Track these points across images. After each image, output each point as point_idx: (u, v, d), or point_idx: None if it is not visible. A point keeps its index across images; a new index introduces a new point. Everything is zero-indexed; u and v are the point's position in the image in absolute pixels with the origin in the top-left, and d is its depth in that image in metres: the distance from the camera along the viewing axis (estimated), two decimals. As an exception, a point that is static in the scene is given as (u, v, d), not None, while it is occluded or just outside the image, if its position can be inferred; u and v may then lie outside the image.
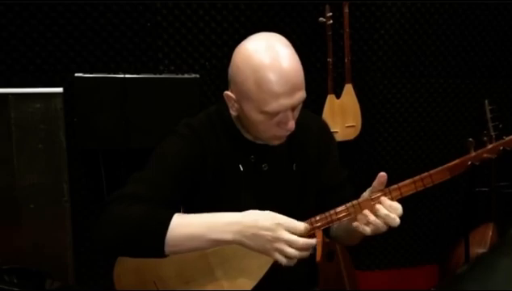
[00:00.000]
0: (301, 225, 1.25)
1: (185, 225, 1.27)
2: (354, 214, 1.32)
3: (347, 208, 1.32)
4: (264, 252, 1.26)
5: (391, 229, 1.31)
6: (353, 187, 1.55)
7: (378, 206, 1.29)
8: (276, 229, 1.23)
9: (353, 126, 2.56)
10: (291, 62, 1.27)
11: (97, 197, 2.44)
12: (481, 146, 1.35)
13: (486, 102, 2.55)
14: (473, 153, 1.34)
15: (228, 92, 1.36)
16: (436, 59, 2.76)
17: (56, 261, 2.35)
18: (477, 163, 1.34)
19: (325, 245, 2.53)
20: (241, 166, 1.43)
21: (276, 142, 1.40)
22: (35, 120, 2.25)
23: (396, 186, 1.32)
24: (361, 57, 2.67)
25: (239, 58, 1.31)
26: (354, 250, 2.73)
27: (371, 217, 1.28)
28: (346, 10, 2.49)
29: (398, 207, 1.29)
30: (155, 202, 1.31)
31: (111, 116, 2.25)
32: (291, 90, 1.27)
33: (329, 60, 2.49)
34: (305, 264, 1.58)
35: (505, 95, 2.89)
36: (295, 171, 1.49)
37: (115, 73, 2.29)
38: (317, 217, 1.32)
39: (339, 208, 1.32)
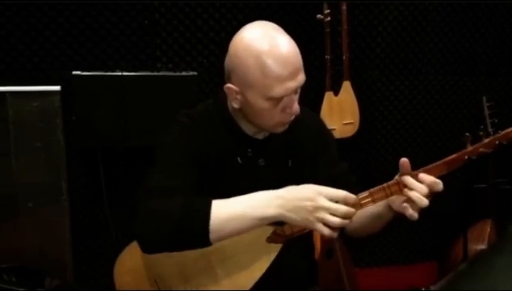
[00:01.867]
0: (342, 192, 1.24)
1: (225, 209, 1.26)
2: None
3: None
4: (307, 225, 1.24)
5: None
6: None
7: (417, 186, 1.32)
8: (316, 197, 1.21)
9: (351, 123, 2.56)
10: (290, 45, 1.30)
11: (96, 196, 2.44)
12: (478, 142, 1.35)
13: (484, 98, 2.55)
14: (470, 148, 1.34)
15: (229, 85, 1.35)
16: (434, 56, 2.76)
17: (55, 260, 2.34)
18: (474, 158, 1.34)
19: (324, 242, 2.53)
20: (239, 158, 1.44)
21: (281, 129, 1.40)
22: (32, 118, 2.24)
23: (394, 181, 1.33)
24: (359, 55, 2.67)
25: (238, 48, 1.31)
26: (354, 247, 2.73)
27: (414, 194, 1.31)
28: (344, 7, 2.49)
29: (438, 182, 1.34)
30: (186, 192, 1.30)
31: (109, 114, 2.25)
32: (294, 73, 1.29)
33: (327, 57, 2.49)
34: (304, 260, 1.59)
35: (503, 92, 2.89)
36: (291, 167, 1.49)
37: (112, 71, 2.29)
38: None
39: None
